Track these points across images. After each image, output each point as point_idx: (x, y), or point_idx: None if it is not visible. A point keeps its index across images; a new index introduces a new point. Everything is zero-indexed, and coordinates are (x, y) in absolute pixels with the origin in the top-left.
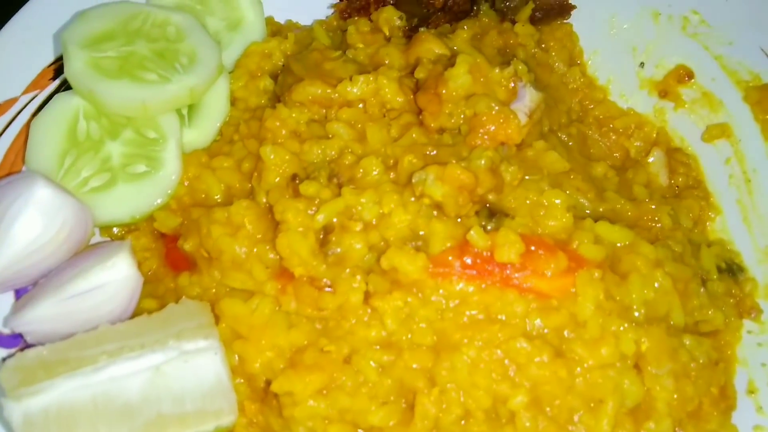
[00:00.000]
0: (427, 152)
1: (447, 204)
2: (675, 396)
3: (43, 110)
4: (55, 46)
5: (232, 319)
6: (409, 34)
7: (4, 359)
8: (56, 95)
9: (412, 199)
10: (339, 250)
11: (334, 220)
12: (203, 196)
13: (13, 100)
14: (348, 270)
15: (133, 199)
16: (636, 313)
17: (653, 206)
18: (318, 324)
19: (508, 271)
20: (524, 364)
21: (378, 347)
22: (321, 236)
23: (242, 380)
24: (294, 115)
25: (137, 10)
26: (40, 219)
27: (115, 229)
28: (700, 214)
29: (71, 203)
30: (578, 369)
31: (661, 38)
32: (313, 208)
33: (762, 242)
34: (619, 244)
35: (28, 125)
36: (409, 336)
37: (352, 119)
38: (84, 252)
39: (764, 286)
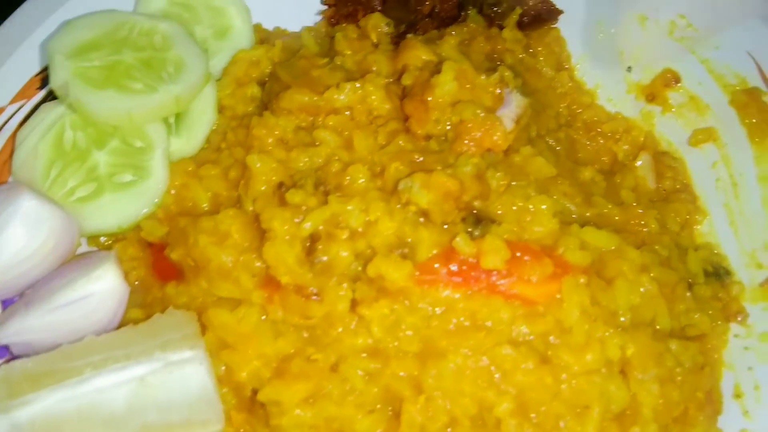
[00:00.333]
0: (414, 159)
1: (433, 211)
2: (660, 401)
3: (29, 120)
4: (42, 56)
5: (219, 328)
6: (397, 40)
7: None
8: (42, 105)
9: (399, 206)
10: (325, 258)
11: (321, 228)
12: (190, 204)
13: (0, 110)
14: (335, 278)
15: (119, 208)
16: (622, 318)
17: (640, 210)
18: (305, 332)
19: (494, 278)
20: (510, 370)
21: (365, 355)
22: (307, 244)
23: (229, 390)
24: (281, 122)
25: (124, 19)
26: (25, 230)
27: (102, 239)
28: (687, 218)
29: (57, 214)
30: (564, 375)
31: (648, 43)
32: (300, 217)
33: (749, 245)
34: (605, 249)
35: (14, 135)
36: (396, 343)
37: (339, 126)
38: (70, 262)
39: (751, 290)
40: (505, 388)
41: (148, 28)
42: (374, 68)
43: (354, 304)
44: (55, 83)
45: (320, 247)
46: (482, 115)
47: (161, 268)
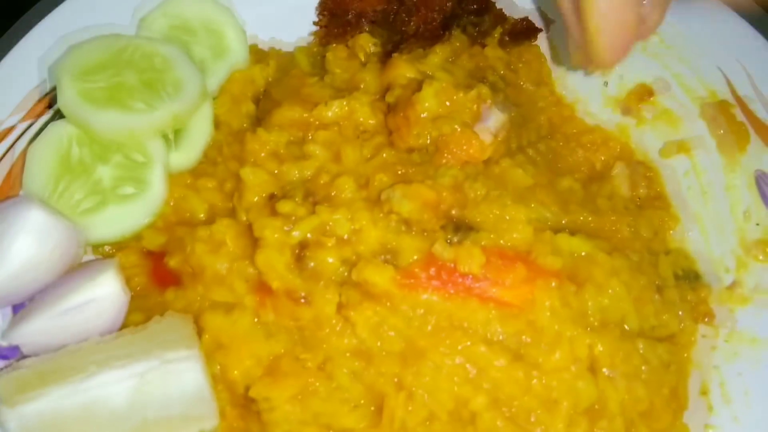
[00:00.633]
0: (398, 171)
1: (414, 220)
2: (627, 397)
3: (38, 138)
4: (50, 78)
5: (214, 330)
6: (384, 59)
7: (1, 369)
8: (50, 124)
9: (382, 215)
10: (313, 264)
11: (309, 236)
12: (188, 215)
13: (11, 129)
14: (322, 283)
15: (122, 219)
16: (591, 319)
17: (613, 218)
18: (294, 334)
19: (470, 282)
20: (484, 368)
21: (350, 355)
22: (297, 252)
23: (223, 387)
24: (273, 137)
25: (127, 43)
26: (34, 241)
27: (106, 248)
28: (660, 224)
29: (63, 225)
30: (535, 372)
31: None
32: (290, 226)
33: (717, 251)
34: (577, 255)
35: (25, 152)
36: (379, 344)
37: (328, 140)
38: (75, 270)
39: (718, 293)
40: (480, 384)
41: (149, 51)
42: (362, 85)
43: (340, 307)
44: (62, 103)
45: (308, 254)
46: (459, 130)
47: (161, 274)
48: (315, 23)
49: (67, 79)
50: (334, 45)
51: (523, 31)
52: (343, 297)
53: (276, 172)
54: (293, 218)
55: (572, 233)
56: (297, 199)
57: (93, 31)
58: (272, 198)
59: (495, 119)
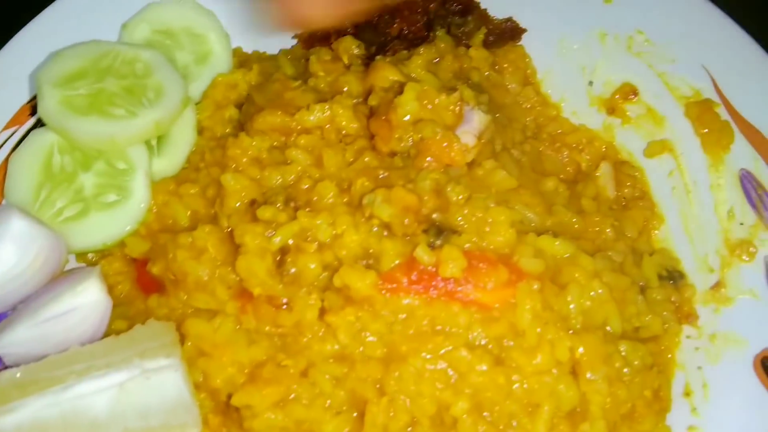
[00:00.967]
0: (379, 175)
1: (394, 224)
2: (608, 399)
3: (19, 146)
4: (32, 85)
5: (196, 337)
6: (367, 61)
7: None
8: (32, 132)
9: (363, 220)
10: (294, 270)
11: (290, 242)
12: (171, 221)
13: None
14: (304, 288)
15: (105, 226)
16: (574, 321)
17: (597, 218)
18: (276, 340)
19: (451, 286)
20: (466, 372)
21: (332, 361)
22: (278, 258)
23: (206, 395)
24: (255, 143)
25: (108, 49)
26: (16, 250)
27: (90, 255)
28: (645, 224)
29: (45, 233)
30: (516, 376)
31: (607, 58)
32: (271, 231)
33: (701, 250)
34: (560, 257)
35: (7, 160)
36: (361, 349)
37: (310, 145)
38: (58, 278)
39: (702, 293)
40: (462, 388)
41: (131, 57)
42: (345, 88)
43: (322, 312)
44: (42, 111)
45: (290, 259)
46: (440, 133)
47: (144, 281)
48: None
49: (47, 87)
50: (318, 48)
51: (507, 32)
52: (326, 302)
53: (258, 177)
54: (274, 224)
55: (556, 235)
56: (278, 205)
57: (76, 38)
58: (253, 204)
59: (478, 121)
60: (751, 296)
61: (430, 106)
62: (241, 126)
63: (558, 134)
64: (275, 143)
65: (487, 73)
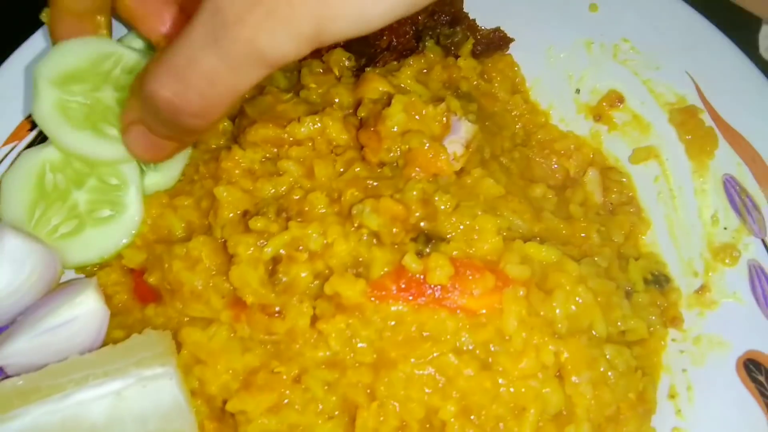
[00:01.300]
0: (368, 185)
1: (383, 233)
2: (593, 402)
3: (11, 166)
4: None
5: (192, 345)
6: (358, 73)
7: None
8: (23, 152)
9: (353, 229)
10: (286, 279)
11: (282, 251)
12: (166, 232)
13: None
14: (296, 297)
15: (100, 241)
16: (559, 326)
17: (584, 224)
18: (270, 347)
19: (439, 293)
20: (453, 377)
21: (324, 367)
22: (270, 267)
23: (202, 401)
24: (248, 155)
25: (111, 50)
26: (10, 267)
27: (87, 266)
28: (632, 229)
29: (38, 249)
30: (502, 380)
31: (594, 66)
32: (263, 241)
33: (686, 254)
34: (546, 263)
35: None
36: (352, 355)
37: (301, 157)
38: (56, 290)
39: (687, 296)
40: (450, 393)
41: (131, 65)
42: (336, 100)
43: (314, 320)
44: (37, 111)
45: (281, 268)
46: (427, 144)
47: (141, 292)
48: None
49: (44, 84)
50: (310, 60)
51: (495, 42)
52: (317, 310)
53: (251, 188)
54: (266, 234)
55: (543, 241)
56: (270, 216)
57: None
58: (246, 215)
59: (465, 130)
60: (734, 300)
61: (417, 117)
62: (235, 138)
63: (546, 141)
64: (267, 155)
65: (476, 83)
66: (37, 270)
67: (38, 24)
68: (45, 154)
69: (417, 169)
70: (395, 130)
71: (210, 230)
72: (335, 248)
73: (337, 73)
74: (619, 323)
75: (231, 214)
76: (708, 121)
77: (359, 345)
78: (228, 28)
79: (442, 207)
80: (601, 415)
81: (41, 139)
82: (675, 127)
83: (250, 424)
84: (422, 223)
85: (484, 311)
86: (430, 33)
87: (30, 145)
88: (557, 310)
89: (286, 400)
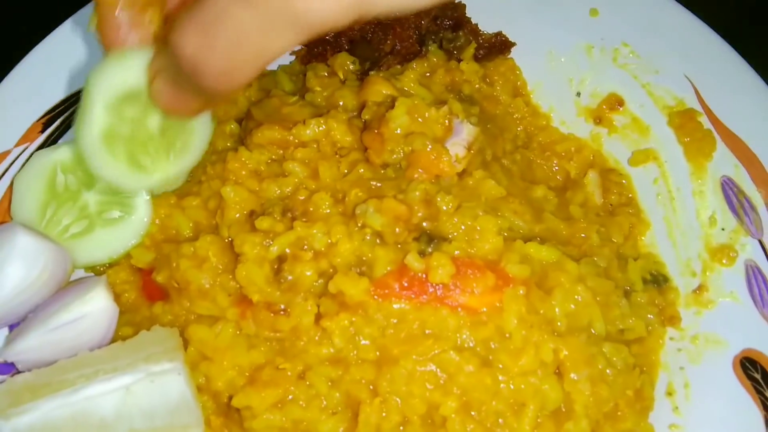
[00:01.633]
0: (372, 186)
1: (386, 232)
2: (591, 399)
3: (23, 167)
4: (44, 101)
5: (198, 342)
6: (362, 76)
7: None
8: (35, 153)
9: (357, 229)
10: (291, 277)
11: (287, 250)
12: (174, 232)
13: (6, 153)
14: (300, 295)
15: (109, 242)
16: (558, 324)
17: (584, 225)
18: (275, 344)
19: (441, 291)
20: (454, 373)
21: (327, 363)
22: (276, 266)
23: (208, 397)
24: (254, 156)
25: None
26: (23, 265)
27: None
28: (631, 230)
29: (49, 247)
30: (502, 377)
31: (594, 70)
32: (269, 241)
33: (684, 255)
34: (546, 262)
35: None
36: (355, 352)
37: (306, 158)
38: (66, 288)
39: (685, 296)
40: (451, 389)
41: None
42: (341, 103)
43: (318, 317)
44: (82, 135)
45: (287, 267)
46: (430, 146)
47: (149, 290)
48: None
49: (99, 109)
50: (315, 64)
51: (497, 46)
52: (321, 308)
53: (257, 189)
54: (272, 234)
55: (543, 241)
56: (275, 216)
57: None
58: (252, 215)
59: (467, 133)
60: (731, 299)
61: (420, 120)
62: (241, 140)
63: (547, 143)
64: (273, 156)
65: (478, 86)
66: (49, 268)
67: (46, 29)
68: (56, 155)
69: (420, 170)
70: (398, 132)
71: (217, 230)
72: (339, 247)
73: (342, 77)
74: (617, 322)
75: (237, 214)
76: (706, 123)
77: (362, 342)
78: None
79: (444, 207)
80: (599, 412)
81: (53, 140)
82: (674, 130)
83: (255, 420)
84: (424, 223)
85: (484, 309)
86: (433, 37)
87: (41, 147)
88: (557, 309)
89: (290, 396)
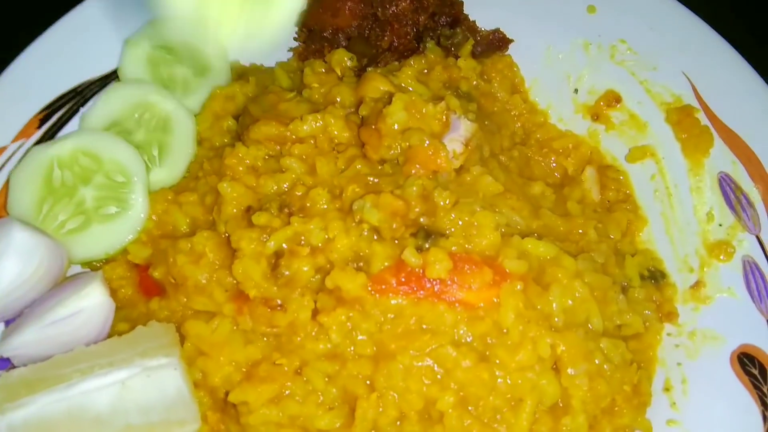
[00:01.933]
0: (369, 181)
1: (383, 228)
2: (589, 394)
3: (20, 162)
4: (41, 96)
5: (195, 338)
6: (360, 73)
7: None
8: (32, 148)
9: (354, 224)
10: (288, 273)
11: (284, 246)
12: (171, 228)
13: (3, 149)
14: (297, 290)
15: (106, 237)
16: (556, 319)
17: (581, 221)
18: (271, 340)
19: (438, 287)
20: (451, 368)
21: (324, 359)
22: (272, 261)
23: (205, 392)
24: (251, 152)
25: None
26: (19, 260)
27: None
28: (629, 226)
29: (45, 243)
30: (499, 372)
31: (591, 66)
32: (266, 236)
33: (681, 251)
34: (543, 258)
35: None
36: (352, 348)
37: (303, 154)
38: (62, 283)
39: (682, 292)
40: (448, 384)
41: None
42: (338, 99)
43: (315, 313)
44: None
45: (284, 263)
46: (427, 141)
47: (146, 285)
48: (294, 39)
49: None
50: (312, 60)
51: (494, 43)
52: (319, 303)
53: (254, 185)
54: (269, 229)
55: (540, 237)
56: (272, 211)
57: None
58: (249, 210)
59: (464, 129)
60: (729, 295)
61: (417, 116)
62: (239, 136)
63: (545, 140)
64: (270, 152)
65: (475, 83)
66: (45, 263)
67: (43, 24)
68: (53, 150)
69: (417, 166)
70: (396, 127)
71: (214, 225)
72: (336, 243)
73: (339, 73)
74: (615, 318)
75: (234, 210)
76: (704, 120)
77: (359, 337)
78: None
79: (442, 203)
80: (596, 407)
81: (50, 136)
82: (671, 126)
83: (251, 415)
84: (422, 219)
85: (482, 305)
86: (430, 34)
87: (38, 142)
88: (554, 304)
89: (287, 392)
